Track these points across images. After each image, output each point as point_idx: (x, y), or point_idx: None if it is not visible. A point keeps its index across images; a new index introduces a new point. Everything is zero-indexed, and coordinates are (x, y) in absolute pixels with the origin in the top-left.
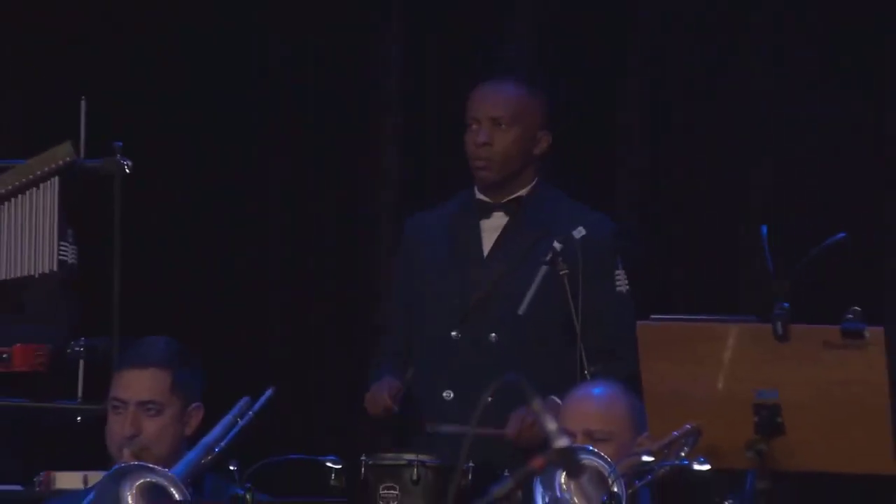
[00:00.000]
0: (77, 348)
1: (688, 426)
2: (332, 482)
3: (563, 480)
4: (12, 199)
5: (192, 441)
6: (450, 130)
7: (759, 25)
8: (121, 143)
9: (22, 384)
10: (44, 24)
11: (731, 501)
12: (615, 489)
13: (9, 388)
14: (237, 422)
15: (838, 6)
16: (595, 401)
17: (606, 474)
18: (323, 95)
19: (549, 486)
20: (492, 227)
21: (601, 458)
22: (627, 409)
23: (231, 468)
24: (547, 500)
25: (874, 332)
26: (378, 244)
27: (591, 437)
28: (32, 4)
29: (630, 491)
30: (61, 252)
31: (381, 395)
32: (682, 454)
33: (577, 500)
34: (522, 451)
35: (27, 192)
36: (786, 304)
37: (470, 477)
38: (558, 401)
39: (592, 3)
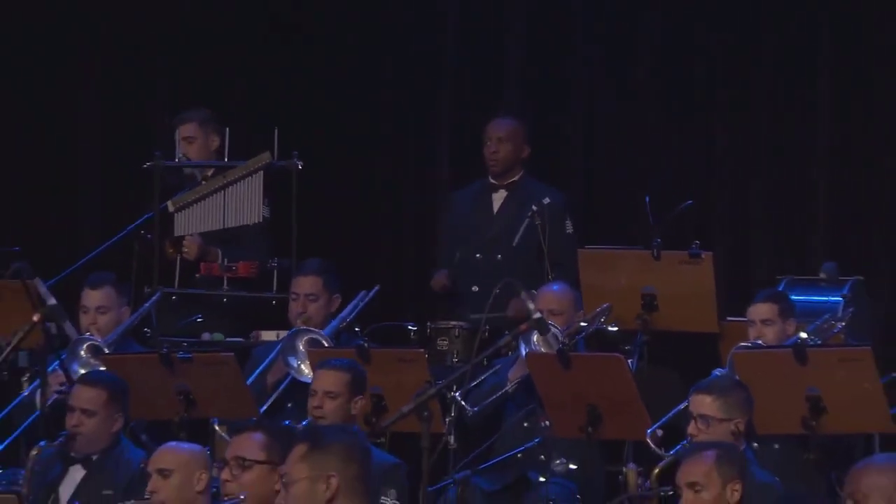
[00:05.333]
0: (272, 264)
1: (604, 305)
2: (412, 337)
3: (535, 338)
4: (238, 183)
5: (334, 315)
6: (476, 148)
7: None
8: (296, 152)
9: (243, 284)
10: (249, 78)
11: (629, 347)
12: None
13: (236, 286)
14: (359, 305)
15: None
16: (553, 292)
17: (559, 336)
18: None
19: (527, 341)
20: (498, 198)
21: (556, 326)
22: (571, 297)
23: (356, 329)
24: (526, 350)
25: (707, 255)
26: (438, 207)
27: (551, 312)
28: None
29: (572, 342)
30: (264, 211)
31: (440, 277)
32: (602, 321)
33: (543, 348)
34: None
35: (245, 180)
36: (658, 240)
37: (486, 334)
38: (534, 292)
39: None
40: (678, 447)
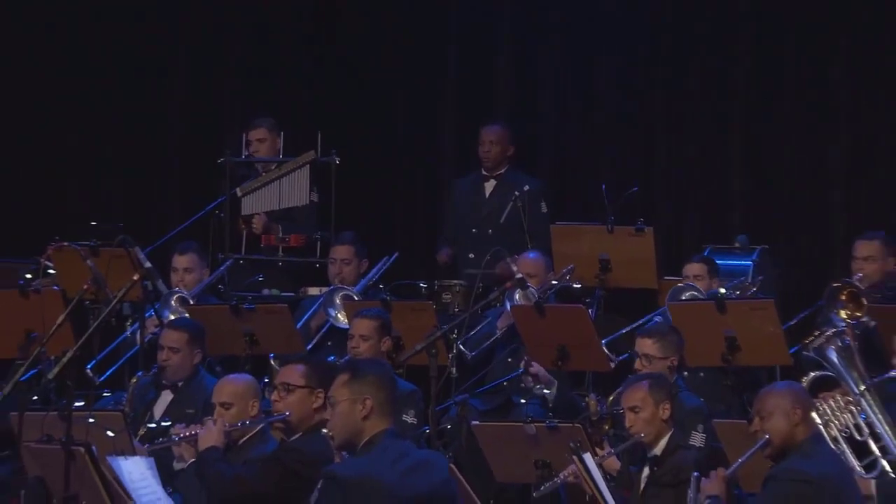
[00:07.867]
0: (316, 236)
1: (569, 266)
2: (422, 292)
3: (518, 295)
4: (290, 174)
5: (363, 275)
6: (472, 146)
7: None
8: (335, 151)
9: (294, 251)
10: (299, 93)
11: (589, 300)
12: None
13: (289, 253)
14: (382, 267)
15: None
16: (530, 259)
17: (535, 292)
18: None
19: (511, 297)
20: (489, 186)
21: (532, 286)
22: (544, 262)
23: (380, 286)
24: (510, 303)
25: (649, 230)
26: (442, 192)
27: (529, 275)
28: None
29: (545, 296)
30: (311, 196)
31: (443, 253)
32: (567, 279)
33: (523, 302)
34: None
35: (295, 171)
36: (612, 218)
37: (480, 290)
38: (517, 258)
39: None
40: (625, 356)
